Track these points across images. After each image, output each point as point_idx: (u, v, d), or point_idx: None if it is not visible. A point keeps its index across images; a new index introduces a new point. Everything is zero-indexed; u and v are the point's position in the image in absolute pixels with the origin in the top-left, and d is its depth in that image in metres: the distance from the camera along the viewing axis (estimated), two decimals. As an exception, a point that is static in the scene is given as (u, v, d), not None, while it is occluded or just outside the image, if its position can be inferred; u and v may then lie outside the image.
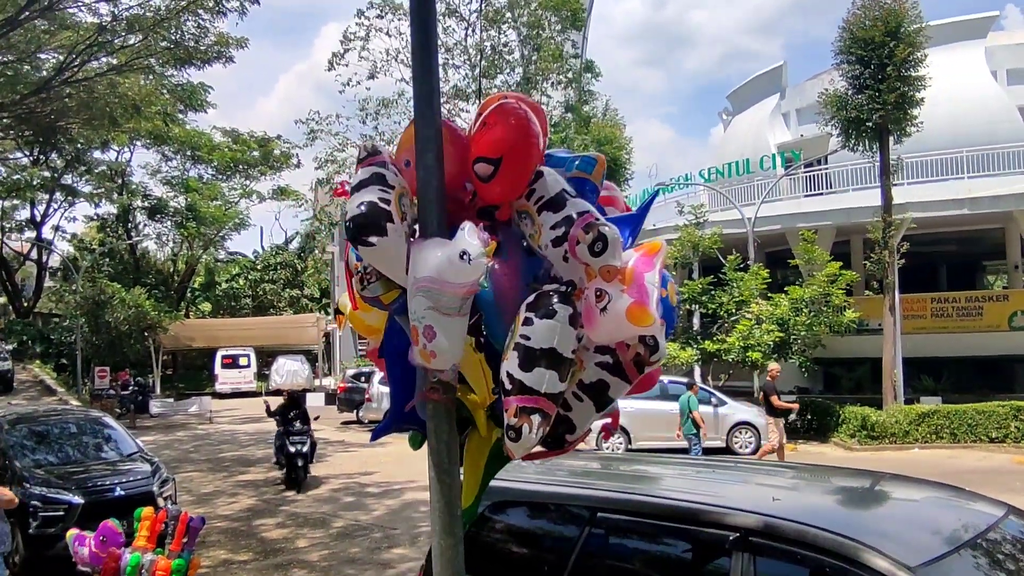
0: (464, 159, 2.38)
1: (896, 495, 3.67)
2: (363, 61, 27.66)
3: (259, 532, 10.45)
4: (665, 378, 16.07)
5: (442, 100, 2.52)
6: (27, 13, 16.83)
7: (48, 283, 45.35)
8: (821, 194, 25.05)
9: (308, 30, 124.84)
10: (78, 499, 8.50)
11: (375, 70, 27.52)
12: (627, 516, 3.38)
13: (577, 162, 2.54)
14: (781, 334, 18.43)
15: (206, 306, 47.64)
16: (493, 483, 2.80)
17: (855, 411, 17.59)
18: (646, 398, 13.35)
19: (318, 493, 13.04)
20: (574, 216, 2.23)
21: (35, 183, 38.38)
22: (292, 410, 14.13)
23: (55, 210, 44.09)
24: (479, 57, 27.93)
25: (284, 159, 42.60)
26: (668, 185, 28.60)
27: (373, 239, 2.18)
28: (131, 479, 9.18)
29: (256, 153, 42.44)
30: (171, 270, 46.94)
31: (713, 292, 20.73)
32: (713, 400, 16.38)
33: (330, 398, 28.14)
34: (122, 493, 8.76)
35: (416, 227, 2.36)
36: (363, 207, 2.20)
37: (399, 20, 26.84)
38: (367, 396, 22.81)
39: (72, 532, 6.15)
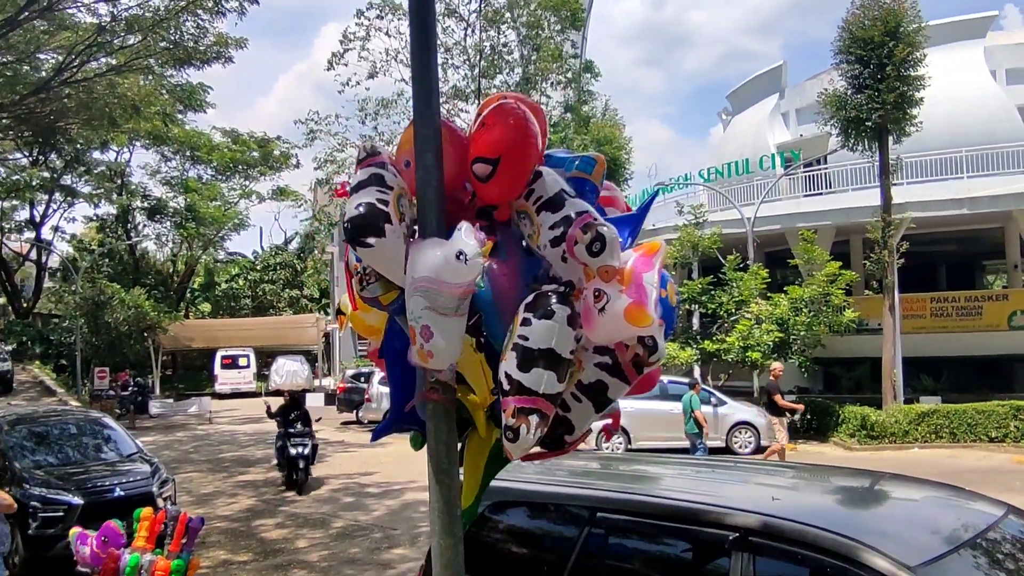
0: (463, 159, 2.37)
1: (896, 495, 3.67)
2: (363, 61, 27.67)
3: (259, 532, 10.44)
4: (665, 378, 16.07)
5: (441, 100, 2.52)
6: (26, 13, 16.83)
7: (47, 284, 45.35)
8: (820, 194, 25.06)
9: (307, 30, 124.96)
10: (78, 500, 8.50)
11: (374, 70, 27.52)
12: (627, 516, 3.38)
13: (577, 162, 2.54)
14: (781, 334, 18.44)
15: (206, 306, 47.63)
16: (493, 483, 2.80)
17: (855, 411, 17.59)
18: (646, 398, 13.34)
19: (318, 493, 13.04)
20: (572, 216, 2.22)
21: (34, 183, 38.36)
22: (293, 411, 13.86)
23: (54, 211, 44.22)
24: (478, 57, 27.92)
25: (283, 159, 42.58)
26: (668, 185, 28.60)
27: (371, 240, 2.18)
28: (131, 480, 9.18)
29: (255, 153, 42.43)
30: (171, 270, 46.93)
31: (713, 292, 20.74)
32: (713, 400, 16.38)
33: (330, 398, 28.11)
34: (122, 494, 8.76)
35: (415, 228, 2.36)
36: (361, 208, 2.20)
37: (399, 20, 26.85)
38: (367, 396, 22.81)
39: (75, 530, 6.16)
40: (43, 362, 37.44)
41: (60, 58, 19.44)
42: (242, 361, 35.87)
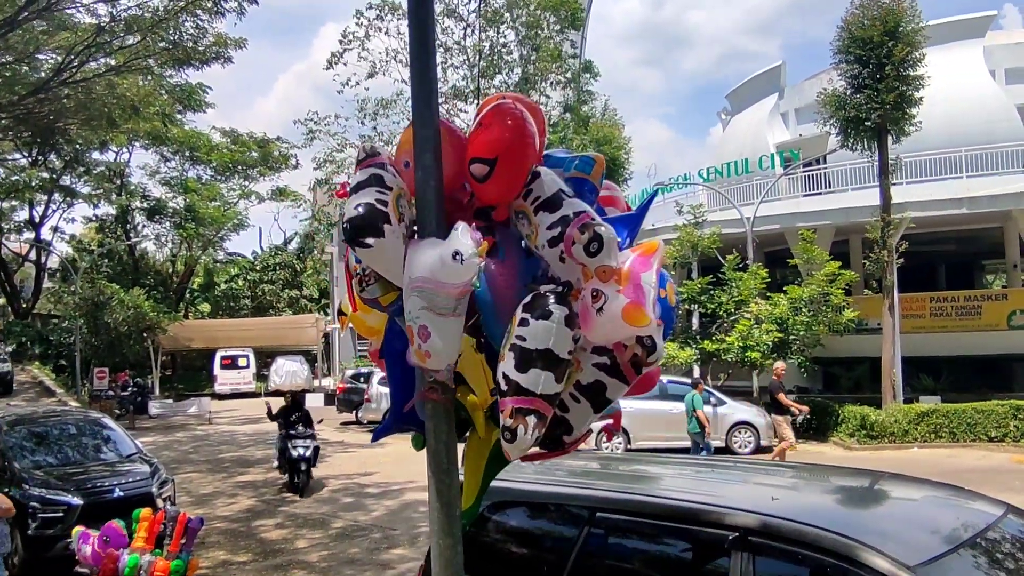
0: (463, 160, 2.37)
1: (895, 494, 3.67)
2: (362, 61, 27.64)
3: (258, 533, 10.44)
4: (665, 378, 16.07)
5: (441, 100, 2.52)
6: (25, 14, 16.82)
7: (47, 284, 45.32)
8: (820, 194, 25.08)
9: (307, 30, 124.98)
10: (77, 500, 8.49)
11: (374, 70, 27.49)
12: (626, 516, 3.38)
13: (576, 162, 2.54)
14: (780, 334, 18.44)
15: (205, 307, 47.61)
16: (492, 483, 2.80)
17: (854, 410, 17.60)
18: (646, 398, 13.33)
19: (317, 494, 13.03)
20: (570, 216, 2.22)
21: (34, 184, 38.33)
22: (294, 412, 13.56)
23: (54, 211, 44.23)
24: (478, 57, 27.90)
25: (283, 160, 42.56)
26: (667, 185, 28.61)
27: (370, 240, 2.18)
28: (130, 480, 9.17)
29: (255, 154, 42.41)
30: (170, 271, 46.93)
31: (712, 292, 20.73)
32: (712, 400, 16.38)
33: (329, 399, 28.16)
34: (121, 494, 8.75)
35: (415, 228, 2.36)
36: (360, 208, 2.20)
37: (398, 20, 26.83)
38: (366, 397, 22.80)
39: (78, 529, 6.17)
40: (42, 363, 37.43)
41: (59, 58, 19.43)
42: (241, 361, 35.87)
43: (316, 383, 35.35)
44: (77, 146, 34.30)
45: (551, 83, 28.91)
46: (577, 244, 2.15)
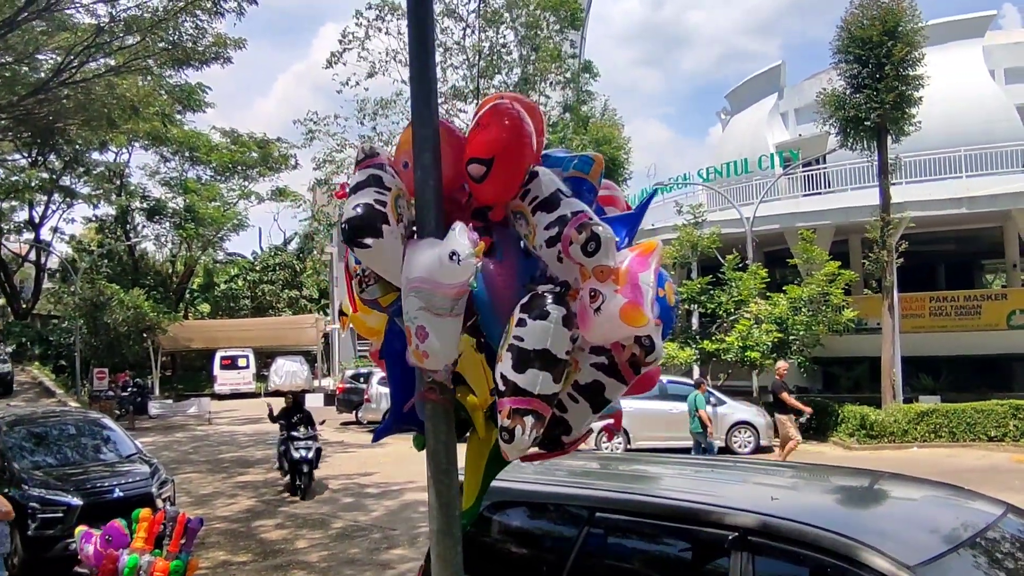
0: (461, 160, 2.37)
1: (895, 494, 3.67)
2: (362, 61, 27.66)
3: (258, 533, 10.44)
4: (665, 378, 16.07)
5: (440, 100, 2.52)
6: (25, 14, 16.82)
7: (47, 285, 45.30)
8: (819, 193, 25.08)
9: (306, 31, 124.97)
10: (77, 501, 8.49)
11: (373, 70, 27.51)
12: (626, 516, 3.38)
13: (574, 162, 2.53)
14: (780, 334, 18.44)
15: (205, 307, 47.61)
16: (492, 483, 2.80)
17: (854, 410, 17.60)
18: (646, 398, 13.34)
19: (317, 494, 13.02)
20: (568, 216, 2.21)
21: (33, 184, 38.35)
22: (296, 414, 13.35)
23: (53, 211, 44.21)
24: (477, 57, 27.92)
25: (283, 160, 42.57)
26: (666, 185, 28.60)
27: (368, 241, 2.17)
28: (130, 480, 9.16)
29: (255, 154, 42.42)
30: (170, 271, 46.92)
31: (712, 292, 20.73)
32: (712, 399, 16.38)
33: (329, 399, 28.16)
34: (121, 494, 8.74)
35: (414, 228, 2.36)
36: (359, 209, 2.20)
37: (398, 20, 26.84)
38: (366, 397, 22.81)
39: (81, 528, 6.18)
40: (42, 363, 37.42)
41: (59, 59, 19.43)
42: (241, 362, 35.88)
43: (316, 383, 35.35)
44: (77, 146, 34.31)
45: (551, 83, 28.94)
46: (574, 244, 2.15)
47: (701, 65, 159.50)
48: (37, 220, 43.59)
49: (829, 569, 2.72)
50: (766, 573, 2.90)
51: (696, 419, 13.59)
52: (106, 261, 42.38)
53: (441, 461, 2.33)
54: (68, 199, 43.05)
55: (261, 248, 52.10)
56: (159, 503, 8.64)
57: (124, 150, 41.07)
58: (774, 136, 29.61)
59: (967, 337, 21.77)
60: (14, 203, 42.17)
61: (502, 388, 2.16)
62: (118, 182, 42.91)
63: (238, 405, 30.43)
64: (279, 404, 14.12)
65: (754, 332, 18.51)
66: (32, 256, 45.73)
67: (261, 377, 36.52)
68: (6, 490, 8.24)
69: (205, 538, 9.53)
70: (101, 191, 42.50)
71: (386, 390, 17.24)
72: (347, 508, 11.94)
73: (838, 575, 2.68)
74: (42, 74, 20.17)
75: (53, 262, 43.87)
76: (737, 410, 16.67)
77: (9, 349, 36.85)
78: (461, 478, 2.50)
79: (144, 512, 6.10)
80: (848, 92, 18.13)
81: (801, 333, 18.74)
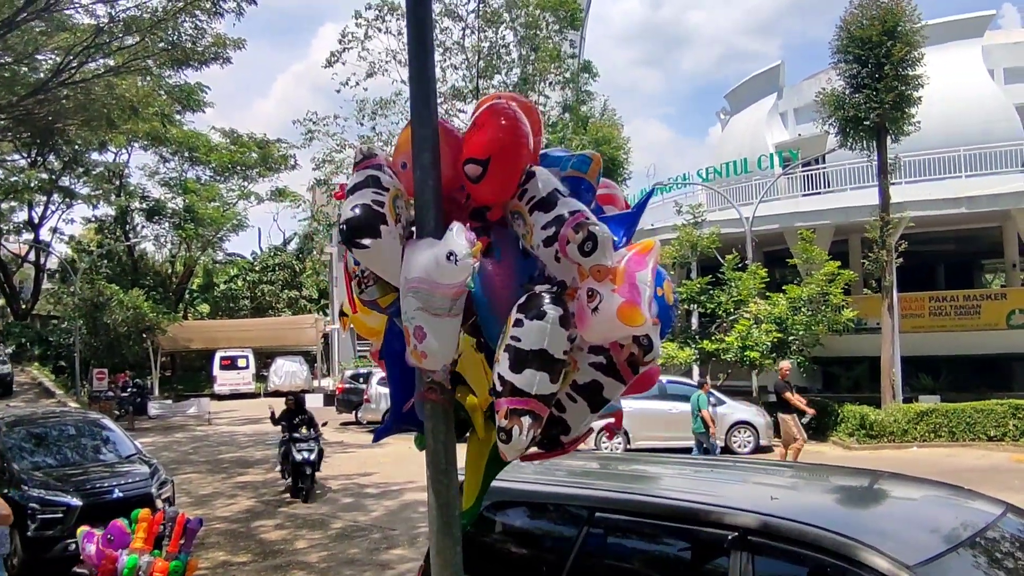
0: (460, 160, 2.37)
1: (895, 494, 3.67)
2: (361, 61, 27.69)
3: (258, 533, 10.43)
4: (664, 378, 16.08)
5: (439, 101, 2.52)
6: (24, 14, 16.82)
7: (46, 285, 45.28)
8: (819, 193, 25.08)
9: (305, 31, 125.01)
10: (76, 501, 8.48)
11: (373, 70, 27.54)
12: (626, 516, 3.38)
13: (572, 161, 2.53)
14: (779, 334, 18.44)
15: (204, 307, 47.61)
16: (492, 483, 2.80)
17: (854, 410, 17.60)
18: (645, 398, 13.35)
19: (317, 495, 13.02)
20: (565, 215, 2.21)
21: (33, 185, 38.34)
22: (297, 415, 13.15)
23: (53, 212, 44.19)
24: (476, 57, 27.93)
25: (282, 161, 42.57)
26: (666, 185, 28.60)
27: (366, 241, 2.17)
28: (129, 481, 9.16)
29: (254, 154, 42.41)
30: (169, 271, 46.90)
31: (711, 292, 20.73)
32: (712, 399, 16.37)
33: (329, 399, 28.15)
34: (120, 495, 8.74)
35: (412, 229, 2.35)
36: (356, 210, 2.20)
37: (397, 20, 26.85)
38: (365, 397, 22.81)
39: (83, 528, 6.18)
40: (42, 364, 37.41)
41: (58, 59, 19.44)
42: (241, 362, 35.86)
43: (315, 384, 35.35)
44: (76, 147, 34.31)
45: (550, 83, 28.97)
46: (572, 244, 2.15)
47: (701, 65, 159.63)
48: (36, 220, 43.63)
49: (829, 569, 2.72)
50: (766, 573, 2.90)
51: (699, 419, 13.59)
52: (105, 261, 42.36)
53: (440, 461, 2.33)
54: (67, 199, 43.04)
55: (260, 248, 52.16)
56: (159, 503, 8.64)
57: (123, 150, 41.09)
58: (773, 136, 29.62)
59: (967, 337, 21.78)
60: (13, 203, 42.17)
61: (499, 388, 2.16)
62: (117, 182, 42.90)
63: (238, 405, 30.42)
64: (280, 405, 13.97)
65: (754, 332, 18.51)
66: (31, 257, 45.73)
67: (261, 377, 36.52)
68: (6, 491, 8.24)
69: (205, 538, 9.52)
70: (100, 191, 42.48)
71: (386, 390, 17.24)
72: (347, 508, 11.94)
73: (838, 575, 2.68)
74: (41, 74, 20.17)
75: (52, 262, 43.86)
76: (737, 410, 16.67)
77: (9, 350, 36.83)
78: (461, 478, 2.50)
79: (143, 512, 6.10)
80: (847, 92, 18.13)
81: (801, 333, 18.74)
